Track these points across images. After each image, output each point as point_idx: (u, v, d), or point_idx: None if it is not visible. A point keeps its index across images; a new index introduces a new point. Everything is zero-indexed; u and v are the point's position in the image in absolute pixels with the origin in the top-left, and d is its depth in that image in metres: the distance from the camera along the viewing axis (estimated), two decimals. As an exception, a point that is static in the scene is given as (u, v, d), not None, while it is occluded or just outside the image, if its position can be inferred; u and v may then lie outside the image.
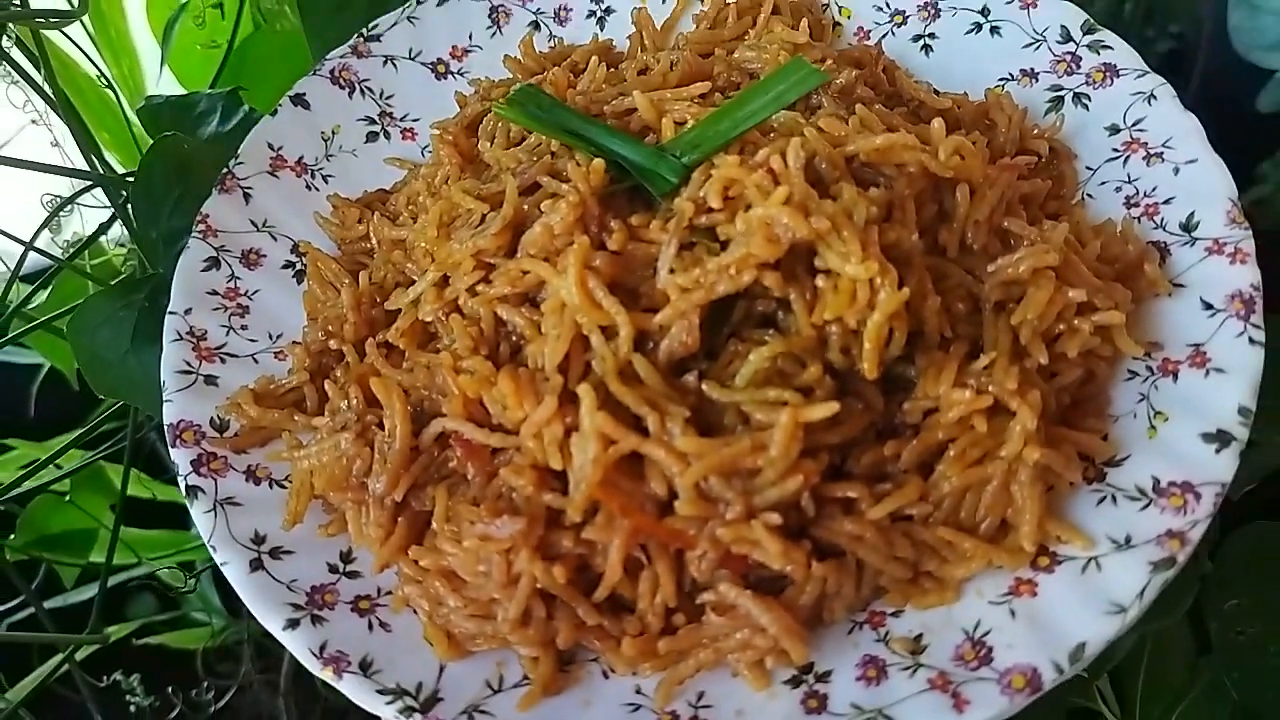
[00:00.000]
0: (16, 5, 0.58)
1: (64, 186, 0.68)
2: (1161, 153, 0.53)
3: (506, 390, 0.46)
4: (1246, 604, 0.59)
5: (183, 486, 0.50)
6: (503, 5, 0.67)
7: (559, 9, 0.67)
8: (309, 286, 0.58)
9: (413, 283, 0.53)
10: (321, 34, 0.66)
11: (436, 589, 0.47)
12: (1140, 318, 0.50)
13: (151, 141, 0.60)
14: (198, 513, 0.49)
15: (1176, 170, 0.53)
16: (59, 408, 0.82)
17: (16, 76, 0.61)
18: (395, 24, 0.66)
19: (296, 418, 0.53)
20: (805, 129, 0.49)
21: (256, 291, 0.57)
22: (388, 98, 0.65)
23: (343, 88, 0.64)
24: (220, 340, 0.55)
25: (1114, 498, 0.45)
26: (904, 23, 0.63)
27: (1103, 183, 0.55)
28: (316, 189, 0.62)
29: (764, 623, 0.43)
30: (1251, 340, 0.46)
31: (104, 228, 0.68)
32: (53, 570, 0.79)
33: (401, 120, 0.65)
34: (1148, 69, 0.56)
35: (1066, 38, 0.59)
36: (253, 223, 0.59)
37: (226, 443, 0.52)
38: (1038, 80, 0.59)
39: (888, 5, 0.64)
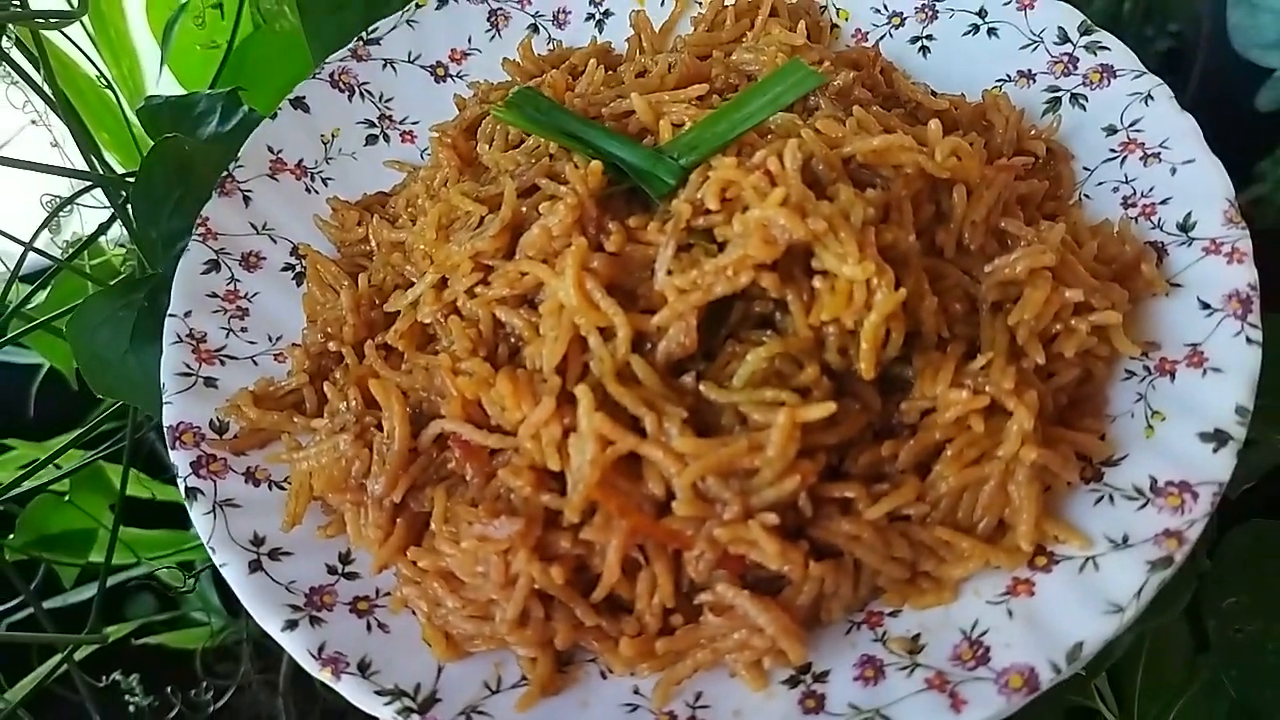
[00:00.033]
0: (16, 5, 0.58)
1: (64, 187, 0.68)
2: (1159, 153, 0.53)
3: (505, 391, 0.46)
4: (1245, 602, 0.59)
5: (182, 488, 0.50)
6: (501, 8, 0.67)
7: (558, 12, 0.67)
8: (308, 289, 0.58)
9: (411, 285, 0.53)
10: (320, 34, 0.66)
11: (435, 590, 0.47)
12: (1137, 318, 0.50)
13: (151, 142, 0.60)
14: (197, 514, 0.49)
15: (1174, 170, 0.53)
16: (58, 408, 0.82)
17: (16, 77, 0.61)
18: (394, 27, 0.66)
19: (296, 419, 0.53)
20: (803, 130, 0.49)
21: (256, 294, 0.57)
22: (387, 101, 0.65)
23: (342, 91, 0.64)
24: (220, 342, 0.55)
25: (1111, 497, 0.45)
26: (901, 24, 0.63)
27: (1100, 183, 0.55)
28: (316, 192, 0.62)
29: (762, 623, 0.43)
30: (1249, 340, 0.46)
31: (104, 228, 0.68)
32: (52, 570, 0.79)
33: (401, 123, 0.65)
34: (1145, 69, 0.56)
35: (1064, 39, 0.59)
36: (252, 225, 0.59)
37: (226, 444, 0.52)
38: (1035, 81, 0.59)
39: (885, 7, 0.64)
